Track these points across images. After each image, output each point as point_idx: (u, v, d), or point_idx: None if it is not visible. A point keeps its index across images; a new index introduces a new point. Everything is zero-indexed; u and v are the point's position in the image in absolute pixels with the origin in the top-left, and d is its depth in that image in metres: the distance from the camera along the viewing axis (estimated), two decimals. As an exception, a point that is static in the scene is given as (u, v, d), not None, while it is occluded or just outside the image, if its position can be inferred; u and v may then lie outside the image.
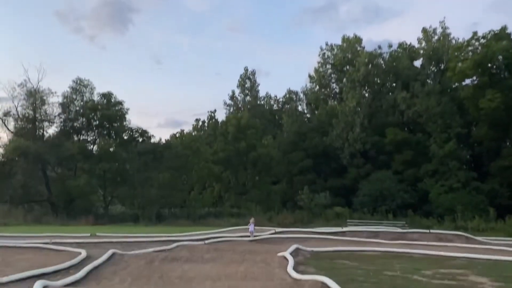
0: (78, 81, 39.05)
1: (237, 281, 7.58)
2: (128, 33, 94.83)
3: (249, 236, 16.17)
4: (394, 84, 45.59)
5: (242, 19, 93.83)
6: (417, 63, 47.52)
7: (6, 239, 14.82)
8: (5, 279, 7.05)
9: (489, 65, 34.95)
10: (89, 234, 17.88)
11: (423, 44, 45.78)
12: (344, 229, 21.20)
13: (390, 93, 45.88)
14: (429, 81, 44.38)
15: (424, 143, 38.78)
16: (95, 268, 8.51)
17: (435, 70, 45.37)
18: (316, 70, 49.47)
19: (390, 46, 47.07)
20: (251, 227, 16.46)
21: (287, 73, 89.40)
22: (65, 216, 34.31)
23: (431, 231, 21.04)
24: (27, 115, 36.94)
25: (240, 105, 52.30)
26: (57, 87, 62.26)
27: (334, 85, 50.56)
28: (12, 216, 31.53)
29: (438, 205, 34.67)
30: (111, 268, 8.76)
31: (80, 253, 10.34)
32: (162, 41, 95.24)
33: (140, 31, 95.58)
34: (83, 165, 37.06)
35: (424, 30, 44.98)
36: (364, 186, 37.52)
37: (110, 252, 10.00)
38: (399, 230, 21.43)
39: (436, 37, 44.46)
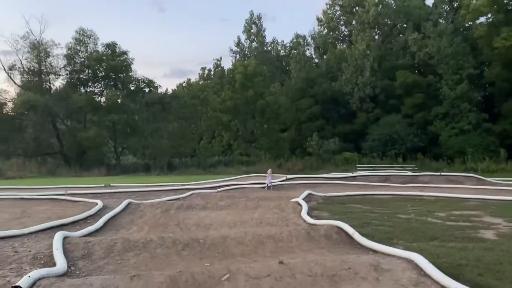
0: (81, 32, 38.40)
1: (252, 227, 7.68)
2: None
3: (266, 186, 15.59)
4: (405, 25, 44.20)
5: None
6: (429, 1, 45.76)
7: (23, 191, 15.10)
8: (26, 230, 7.19)
9: (505, 1, 33.48)
10: (103, 185, 18.13)
11: (435, -19, 43.77)
12: (355, 174, 21.31)
13: (401, 35, 44.58)
14: (441, 21, 42.82)
15: (435, 85, 38.10)
16: (112, 217, 8.65)
17: (448, 8, 43.62)
18: (325, 13, 47.91)
19: (401, -16, 45.10)
20: (268, 178, 15.52)
21: (294, 17, 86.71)
22: (78, 167, 34.97)
23: (442, 173, 21.05)
24: (32, 68, 36.75)
25: (246, 52, 51.28)
26: (60, 39, 61.28)
27: (343, 28, 49.18)
28: (27, 169, 32.07)
29: (448, 148, 34.64)
30: (128, 217, 8.91)
31: (96, 204, 10.49)
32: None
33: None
34: (92, 117, 37.26)
35: (437, -34, 42.83)
36: (373, 130, 37.42)
37: (126, 201, 10.14)
38: (410, 173, 21.48)
39: (449, -27, 42.42)
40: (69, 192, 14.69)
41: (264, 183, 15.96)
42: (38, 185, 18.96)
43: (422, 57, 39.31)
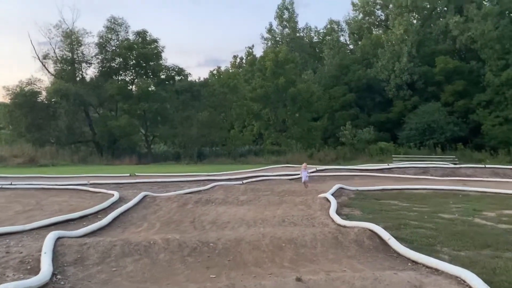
0: (113, 20, 38.25)
1: (273, 227, 6.85)
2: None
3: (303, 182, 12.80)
4: (445, 8, 41.77)
5: None
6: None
7: (46, 180, 14.89)
8: (28, 226, 6.66)
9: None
10: (128, 174, 17.77)
11: (481, -40, 41.00)
12: (390, 165, 20.06)
13: (441, 19, 42.17)
14: (485, 3, 40.19)
15: (478, 71, 35.89)
16: (125, 212, 8.05)
17: (494, -11, 40.85)
18: (360, -4, 45.95)
19: (442, -36, 42.55)
20: (304, 174, 12.77)
21: (328, 2, 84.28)
22: (110, 156, 35.13)
23: (487, 165, 19.50)
24: (65, 56, 36.97)
25: (278, 39, 50.04)
26: (92, 27, 61.73)
27: (379, 12, 47.09)
28: (60, 156, 32.45)
29: (491, 138, 32.59)
30: (141, 212, 8.29)
31: (112, 195, 9.97)
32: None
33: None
34: (123, 105, 37.25)
35: None
36: (410, 119, 35.65)
37: (141, 194, 9.53)
38: (451, 165, 20.03)
39: (496, -49, 39.55)
40: (91, 182, 14.35)
41: (298, 175, 14.14)
42: (67, 173, 18.85)
43: (464, 41, 37.02)
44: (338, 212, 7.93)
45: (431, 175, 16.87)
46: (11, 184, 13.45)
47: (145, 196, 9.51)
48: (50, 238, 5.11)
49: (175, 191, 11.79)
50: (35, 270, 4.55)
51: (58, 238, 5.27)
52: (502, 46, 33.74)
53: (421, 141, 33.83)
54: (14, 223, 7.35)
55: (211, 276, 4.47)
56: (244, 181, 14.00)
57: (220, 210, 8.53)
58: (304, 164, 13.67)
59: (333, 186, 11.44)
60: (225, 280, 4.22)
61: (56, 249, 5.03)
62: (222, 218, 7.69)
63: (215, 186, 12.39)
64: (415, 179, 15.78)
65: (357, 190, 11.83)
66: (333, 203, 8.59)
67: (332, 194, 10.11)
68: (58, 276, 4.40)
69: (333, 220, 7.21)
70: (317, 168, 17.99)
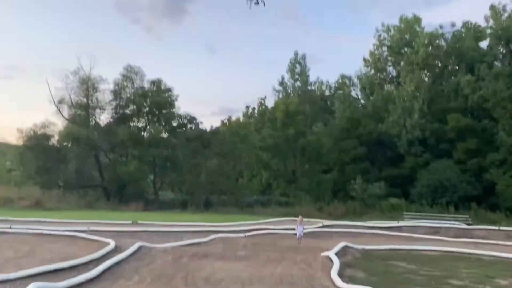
0: (129, 68, 39.30)
1: (270, 286, 6.43)
2: (184, 23, 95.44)
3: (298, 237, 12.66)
4: (456, 67, 42.22)
5: (296, 6, 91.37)
6: (483, 44, 43.73)
7: (47, 225, 14.64)
8: (12, 275, 6.38)
9: None
10: (130, 222, 17.46)
11: (491, 22, 41.86)
12: (400, 223, 19.44)
13: (453, 77, 42.57)
14: (496, 63, 40.63)
15: (491, 130, 35.54)
16: (117, 263, 7.72)
17: (504, 51, 41.38)
18: (371, 53, 46.86)
19: (453, 25, 43.69)
20: (299, 228, 12.64)
21: (340, 58, 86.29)
22: (117, 201, 34.88)
23: (501, 228, 18.76)
24: (80, 102, 37.76)
25: (289, 91, 50.79)
26: (109, 75, 63.83)
27: (390, 69, 47.71)
28: (66, 200, 32.34)
29: (506, 198, 31.65)
30: (134, 264, 7.95)
31: (108, 244, 9.67)
32: (216, 30, 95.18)
33: (195, 20, 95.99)
34: (134, 151, 37.43)
35: (492, 7, 41.03)
36: (422, 176, 35.02)
37: (136, 245, 9.22)
38: (463, 225, 19.32)
39: (506, 15, 40.46)
40: (91, 228, 14.06)
41: (292, 228, 13.87)
42: (70, 218, 18.61)
43: (476, 100, 37.03)
44: (340, 273, 7.51)
45: (443, 236, 16.22)
46: (10, 228, 13.24)
47: (140, 247, 9.20)
48: (27, 291, 4.82)
49: (174, 241, 11.45)
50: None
51: (37, 292, 4.97)
52: (515, 106, 33.64)
53: (433, 199, 33.03)
54: (1, 271, 7.08)
55: None
56: (247, 234, 13.58)
57: (217, 265, 8.15)
58: (299, 218, 13.25)
59: (338, 244, 11.00)
60: None
61: (32, 304, 4.72)
62: (217, 275, 7.32)
63: (215, 238, 12.00)
64: (425, 239, 15.18)
65: (364, 249, 11.35)
66: (336, 263, 8.17)
67: (336, 253, 9.69)
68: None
69: (334, 283, 6.78)
70: (324, 224, 17.47)
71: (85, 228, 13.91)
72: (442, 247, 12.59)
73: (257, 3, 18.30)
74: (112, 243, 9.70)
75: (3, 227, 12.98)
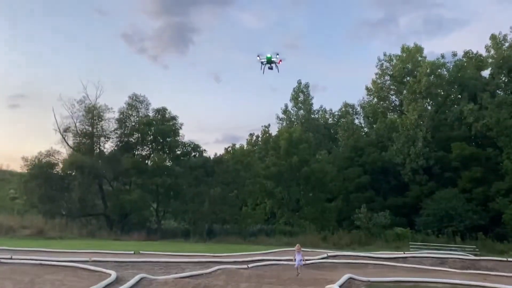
0: (134, 97, 39.76)
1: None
2: (189, 52, 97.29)
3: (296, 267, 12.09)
4: (459, 96, 42.52)
5: (298, 35, 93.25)
6: (485, 73, 44.16)
7: (48, 255, 14.48)
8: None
9: None
10: (132, 252, 17.25)
11: (492, 52, 42.45)
12: (406, 253, 19.10)
13: (455, 106, 42.81)
14: (499, 92, 40.85)
15: (495, 158, 35.47)
16: (117, 296, 7.60)
17: (506, 80, 41.71)
18: (374, 82, 47.31)
19: (454, 54, 44.20)
20: (297, 257, 12.14)
21: (343, 86, 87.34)
22: (120, 230, 34.61)
23: (509, 259, 18.40)
24: (85, 130, 38.03)
25: (293, 119, 51.06)
26: (114, 104, 64.57)
27: (393, 97, 48.13)
28: (68, 229, 32.14)
29: (514, 228, 31.23)
30: (135, 297, 7.80)
31: (109, 275, 9.53)
32: (220, 58, 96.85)
33: (200, 49, 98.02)
34: (137, 179, 37.40)
35: (493, 37, 41.68)
36: (428, 205, 34.74)
37: (137, 277, 9.08)
38: (471, 256, 18.97)
39: (507, 44, 40.99)
40: (93, 259, 13.90)
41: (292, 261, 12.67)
42: (72, 248, 18.44)
43: (479, 128, 37.08)
44: (345, 308, 7.32)
45: (449, 267, 15.90)
46: (11, 258, 13.10)
47: (141, 279, 9.05)
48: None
49: (176, 273, 11.28)
50: None
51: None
52: (519, 134, 33.60)
53: (439, 228, 32.63)
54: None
55: None
56: (250, 265, 13.36)
57: (219, 299, 7.99)
58: (297, 246, 12.69)
59: (343, 276, 10.79)
60: None
61: None
62: (219, 309, 7.15)
63: (217, 270, 11.81)
64: (432, 270, 14.88)
65: (369, 281, 11.10)
66: (341, 297, 7.98)
67: (341, 285, 9.49)
68: None
69: (338, 318, 6.61)
70: (328, 254, 17.21)
71: (86, 259, 13.75)
72: (450, 279, 12.31)
73: (271, 68, 18.94)
74: (113, 274, 9.58)
75: (4, 257, 12.84)
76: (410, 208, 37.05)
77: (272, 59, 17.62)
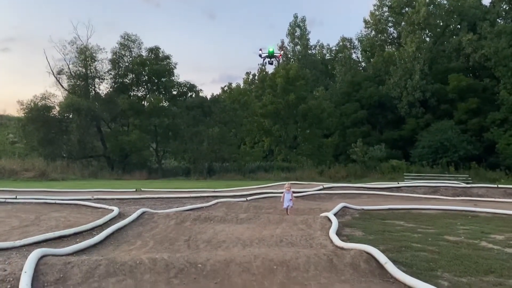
0: (126, 37, 38.85)
1: (269, 247, 6.64)
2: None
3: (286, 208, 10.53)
4: (458, 26, 41.55)
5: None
6: (486, 1, 42.85)
7: (52, 195, 14.86)
8: (18, 243, 6.55)
9: None
10: (134, 190, 17.69)
11: (494, -22, 40.85)
12: (400, 184, 19.64)
13: (454, 36, 41.96)
14: (499, 21, 39.88)
15: (492, 89, 35.39)
16: (120, 229, 7.92)
17: (507, 7, 40.56)
18: (372, 14, 46.01)
19: (455, -18, 42.49)
20: (286, 197, 10.42)
21: (341, 20, 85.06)
22: (121, 170, 35.30)
23: (499, 185, 18.97)
24: (78, 72, 37.56)
25: (289, 56, 50.23)
26: (107, 44, 63.15)
27: (391, 30, 47.09)
28: (70, 171, 32.67)
29: (506, 157, 31.92)
30: (137, 229, 8.14)
31: (112, 211, 9.87)
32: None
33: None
34: (135, 120, 37.56)
35: (496, -38, 39.93)
36: (423, 137, 35.16)
37: (139, 211, 9.39)
38: (462, 184, 19.54)
39: (510, -31, 39.38)
40: (95, 197, 14.28)
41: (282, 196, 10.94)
42: (75, 188, 18.87)
43: (477, 59, 36.64)
44: (338, 233, 7.68)
45: (442, 195, 16.43)
46: (15, 198, 13.46)
47: (143, 213, 9.38)
48: (32, 256, 4.98)
49: (177, 207, 11.66)
50: (14, 289, 4.42)
51: (42, 257, 5.13)
52: (517, 64, 33.26)
53: (434, 160, 33.27)
54: (7, 238, 7.27)
55: (193, 300, 4.28)
56: (248, 198, 13.80)
57: (218, 228, 8.34)
58: (287, 185, 10.84)
59: (338, 205, 11.20)
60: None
61: (39, 267, 4.88)
62: (218, 237, 7.50)
63: (217, 203, 12.21)
64: (424, 198, 15.39)
65: (362, 209, 11.52)
66: (334, 223, 8.34)
67: (335, 214, 9.86)
68: (36, 297, 4.26)
69: (332, 241, 6.97)
70: (324, 186, 17.70)
71: (89, 197, 14.12)
72: (441, 205, 12.78)
73: (271, 63, 18.60)
74: (116, 210, 9.89)
75: (9, 197, 13.18)
76: (406, 141, 37.55)
77: (274, 54, 17.53)
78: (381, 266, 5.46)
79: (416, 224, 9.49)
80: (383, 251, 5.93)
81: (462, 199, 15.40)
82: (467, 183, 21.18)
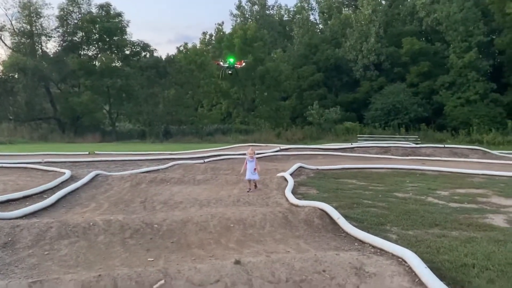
0: (74, -8, 36.57)
1: (227, 207, 6.70)
2: None
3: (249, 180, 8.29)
4: (414, -11, 41.99)
5: None
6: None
7: (-2, 159, 14.19)
8: (-38, 207, 6.24)
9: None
10: (87, 153, 17.19)
11: None
12: (354, 144, 20.23)
13: (409, 0, 42.50)
14: (452, -15, 40.63)
15: (443, 53, 36.46)
16: (72, 192, 7.71)
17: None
18: (330, -25, 45.57)
19: None
20: (249, 167, 8.16)
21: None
22: (72, 133, 34.09)
23: (446, 145, 19.96)
24: (22, 29, 35.26)
25: (247, 15, 49.29)
26: (53, 0, 59.15)
27: (349, -9, 46.93)
28: (18, 134, 31.24)
29: (453, 118, 33.44)
30: (91, 192, 7.95)
31: (63, 174, 9.56)
32: None
33: None
34: (86, 81, 36.04)
35: None
36: (376, 100, 36.08)
37: (93, 173, 9.16)
38: (412, 145, 20.39)
39: None
40: (46, 160, 13.75)
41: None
42: (24, 151, 18.09)
43: (430, 23, 37.45)
44: (294, 191, 7.86)
45: (392, 155, 17.10)
46: (-42, 162, 12.74)
47: (97, 175, 9.16)
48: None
49: (132, 169, 11.46)
50: (-41, 254, 4.24)
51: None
52: (466, 29, 34.25)
53: (386, 121, 34.36)
54: (-50, 203, 6.91)
55: (149, 259, 4.26)
56: (206, 160, 13.78)
57: (175, 189, 8.30)
58: (250, 150, 8.62)
59: (294, 165, 11.41)
60: (161, 264, 4.02)
61: (-15, 231, 4.70)
62: (175, 198, 7.48)
63: (174, 165, 12.11)
64: (376, 158, 15.97)
65: (317, 169, 11.81)
66: (290, 182, 8.51)
67: (292, 173, 10.06)
68: (-18, 261, 4.10)
69: (287, 199, 7.13)
70: (281, 147, 17.95)
71: (39, 160, 13.60)
72: (391, 164, 13.33)
73: (231, 73, 17.79)
74: (67, 173, 9.59)
75: (-49, 162, 12.46)
76: (360, 103, 38.41)
77: (235, 65, 16.85)
78: (334, 222, 5.66)
79: (368, 182, 9.87)
80: (336, 208, 6.14)
81: (411, 158, 16.12)
82: (416, 144, 22.12)
